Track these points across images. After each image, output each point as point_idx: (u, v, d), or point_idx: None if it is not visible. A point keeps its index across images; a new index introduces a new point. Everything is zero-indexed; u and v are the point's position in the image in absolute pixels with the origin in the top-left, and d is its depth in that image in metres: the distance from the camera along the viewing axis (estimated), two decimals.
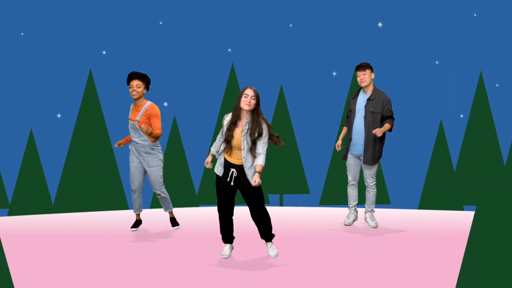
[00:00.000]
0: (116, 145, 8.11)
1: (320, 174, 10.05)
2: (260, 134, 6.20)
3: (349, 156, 8.26)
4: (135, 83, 7.83)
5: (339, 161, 9.86)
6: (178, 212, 9.22)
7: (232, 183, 6.30)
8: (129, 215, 9.29)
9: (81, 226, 8.56)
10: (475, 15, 9.87)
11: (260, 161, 6.23)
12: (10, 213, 9.46)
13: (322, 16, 10.01)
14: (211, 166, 6.53)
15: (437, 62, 9.92)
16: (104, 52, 9.77)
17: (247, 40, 10.05)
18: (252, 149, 6.19)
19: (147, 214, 9.10)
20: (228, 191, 6.38)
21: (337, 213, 9.33)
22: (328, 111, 10.02)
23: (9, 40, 9.63)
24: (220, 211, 6.47)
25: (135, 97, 7.84)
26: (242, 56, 10.05)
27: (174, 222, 8.35)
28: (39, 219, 9.03)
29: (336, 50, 10.01)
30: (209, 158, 6.48)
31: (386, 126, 8.04)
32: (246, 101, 6.19)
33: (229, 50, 10.03)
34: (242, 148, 6.20)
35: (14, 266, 6.14)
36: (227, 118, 6.35)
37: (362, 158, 8.22)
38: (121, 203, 9.78)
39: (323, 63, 10.02)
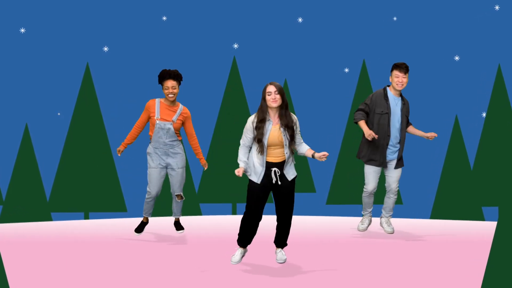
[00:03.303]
0: (119, 154, 7.91)
1: (327, 172, 9.94)
2: (293, 126, 6.24)
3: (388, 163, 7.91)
4: (171, 84, 7.60)
5: (346, 159, 9.76)
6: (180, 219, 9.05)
7: (279, 182, 6.21)
8: (127, 218, 9.31)
9: (81, 230, 8.54)
10: (497, 7, 9.75)
11: (307, 146, 6.36)
12: (4, 210, 9.49)
13: (332, 9, 9.94)
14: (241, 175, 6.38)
15: (456, 58, 9.80)
16: (105, 49, 9.77)
17: (251, 33, 10.00)
18: (292, 144, 6.22)
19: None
20: (263, 196, 6.28)
21: (348, 220, 9.25)
22: (335, 107, 9.94)
23: (9, 36, 9.67)
24: (250, 216, 6.30)
25: (172, 99, 7.62)
26: (245, 50, 10.01)
27: (178, 226, 8.13)
28: (36, 225, 9.08)
29: (347, 44, 9.93)
30: (241, 170, 6.25)
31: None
32: (271, 99, 6.14)
33: (235, 46, 9.99)
34: (284, 144, 6.18)
35: (12, 272, 6.08)
36: (251, 120, 6.27)
37: (392, 162, 7.91)
38: (118, 203, 9.72)
39: (331, 57, 9.93)
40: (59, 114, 9.68)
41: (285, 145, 6.18)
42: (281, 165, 6.23)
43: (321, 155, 6.21)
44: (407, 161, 9.33)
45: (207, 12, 9.93)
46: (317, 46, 9.90)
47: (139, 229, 8.01)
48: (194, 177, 9.88)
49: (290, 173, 6.29)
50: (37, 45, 9.67)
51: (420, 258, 6.75)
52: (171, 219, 8.76)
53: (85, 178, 9.65)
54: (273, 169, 6.19)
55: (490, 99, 9.68)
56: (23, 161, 9.54)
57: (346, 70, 9.90)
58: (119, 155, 7.85)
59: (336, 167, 9.85)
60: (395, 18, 9.88)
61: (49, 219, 9.56)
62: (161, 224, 8.87)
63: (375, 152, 7.75)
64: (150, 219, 8.86)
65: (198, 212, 9.88)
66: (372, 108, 7.70)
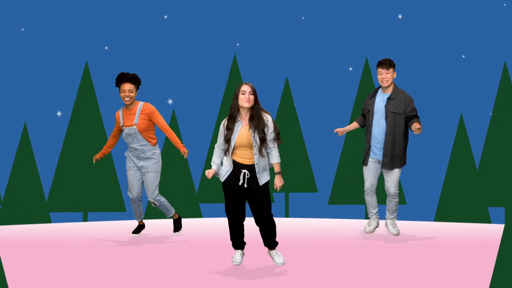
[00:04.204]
0: (94, 161, 7.87)
1: (329, 172, 9.86)
2: (264, 128, 6.12)
3: (370, 160, 7.82)
4: (128, 87, 7.48)
5: (349, 158, 9.70)
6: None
7: (245, 185, 6.13)
8: (126, 220, 9.36)
9: (80, 231, 8.53)
10: (504, 4, 9.70)
11: (275, 159, 6.20)
12: (3, 209, 9.48)
13: (336, 6, 9.90)
14: (211, 178, 6.28)
15: (463, 56, 9.70)
16: (106, 48, 9.77)
17: (252, 31, 9.95)
18: (261, 148, 6.11)
19: (146, 223, 8.95)
20: (238, 195, 6.19)
21: (353, 222, 9.19)
22: (337, 105, 9.87)
23: (7, 34, 9.68)
24: (230, 216, 6.27)
25: (128, 102, 7.48)
26: (246, 48, 9.97)
27: (176, 225, 7.97)
28: (36, 226, 9.07)
29: (351, 43, 9.87)
30: (212, 172, 6.25)
31: (418, 123, 7.74)
32: (245, 98, 6.07)
33: (238, 44, 9.94)
34: (253, 146, 6.10)
35: (12, 274, 6.09)
36: (223, 122, 6.22)
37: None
38: (117, 202, 9.69)
39: (334, 55, 9.87)
40: (59, 114, 9.67)
41: (254, 146, 6.08)
42: (251, 168, 6.12)
43: (277, 185, 6.15)
44: (411, 161, 9.27)
45: (208, 10, 9.90)
46: (319, 44, 9.85)
47: (136, 231, 7.93)
48: (194, 177, 9.83)
49: (263, 178, 6.17)
50: (36, 44, 9.66)
51: (425, 262, 6.63)
52: (171, 221, 8.68)
53: (83, 177, 9.61)
54: (243, 171, 6.11)
55: (496, 97, 9.59)
56: (22, 160, 9.53)
57: (351, 69, 9.86)
58: (94, 162, 7.81)
59: (338, 167, 9.78)
60: (400, 16, 9.82)
61: (48, 219, 9.51)
62: (161, 226, 8.80)
63: (364, 151, 7.83)
64: (150, 221, 8.79)
65: (198, 215, 9.80)
66: (365, 108, 7.87)
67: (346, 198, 9.73)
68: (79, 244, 7.56)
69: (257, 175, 6.12)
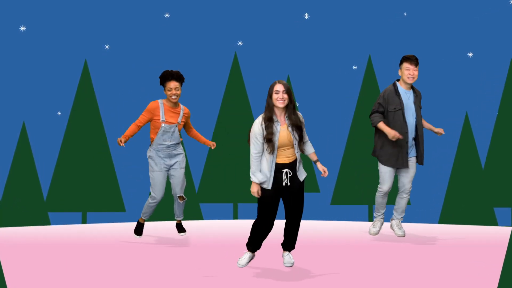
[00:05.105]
0: (122, 144, 7.44)
1: (331, 172, 9.67)
2: (301, 126, 6.11)
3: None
4: (174, 85, 7.47)
5: (351, 158, 9.68)
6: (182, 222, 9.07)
7: (288, 183, 6.05)
8: (126, 220, 9.49)
9: (80, 233, 8.53)
10: (511, 2, 9.68)
11: (312, 148, 6.30)
12: (1, 209, 9.48)
13: (339, 4, 9.88)
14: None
15: (470, 55, 9.68)
16: (107, 47, 9.77)
17: (253, 29, 9.92)
18: (300, 144, 6.11)
19: (146, 225, 8.92)
20: (275, 201, 6.13)
21: (357, 223, 9.17)
22: (339, 104, 9.84)
23: (5, 33, 9.70)
24: (263, 223, 6.18)
25: (175, 101, 7.50)
26: (247, 46, 9.95)
27: (180, 228, 8.01)
28: (35, 228, 9.07)
29: (353, 40, 9.84)
30: (257, 187, 6.02)
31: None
32: (279, 98, 5.95)
33: (240, 43, 9.93)
34: (294, 144, 6.04)
35: (11, 275, 6.06)
36: (259, 122, 5.99)
37: (411, 159, 7.71)
38: (116, 202, 9.69)
39: (336, 53, 9.84)
40: (59, 113, 9.66)
41: (295, 144, 6.04)
42: (292, 165, 6.06)
43: (323, 169, 6.16)
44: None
45: (209, 8, 9.88)
46: (320, 42, 9.81)
47: (139, 231, 7.88)
48: (194, 177, 9.79)
49: (302, 173, 6.16)
50: (35, 43, 9.64)
51: (431, 264, 6.54)
52: (173, 223, 8.62)
53: (83, 177, 9.58)
54: (285, 170, 6.02)
55: (502, 96, 9.53)
56: (20, 160, 9.52)
57: (355, 67, 9.82)
58: (122, 145, 7.42)
59: (341, 167, 9.74)
60: (405, 14, 9.80)
61: (46, 218, 9.49)
62: (162, 227, 8.75)
63: (395, 153, 7.53)
64: (152, 223, 8.74)
65: (199, 216, 9.75)
66: (385, 106, 7.51)
67: (348, 198, 9.70)
68: (79, 245, 7.52)
69: (297, 173, 6.08)
